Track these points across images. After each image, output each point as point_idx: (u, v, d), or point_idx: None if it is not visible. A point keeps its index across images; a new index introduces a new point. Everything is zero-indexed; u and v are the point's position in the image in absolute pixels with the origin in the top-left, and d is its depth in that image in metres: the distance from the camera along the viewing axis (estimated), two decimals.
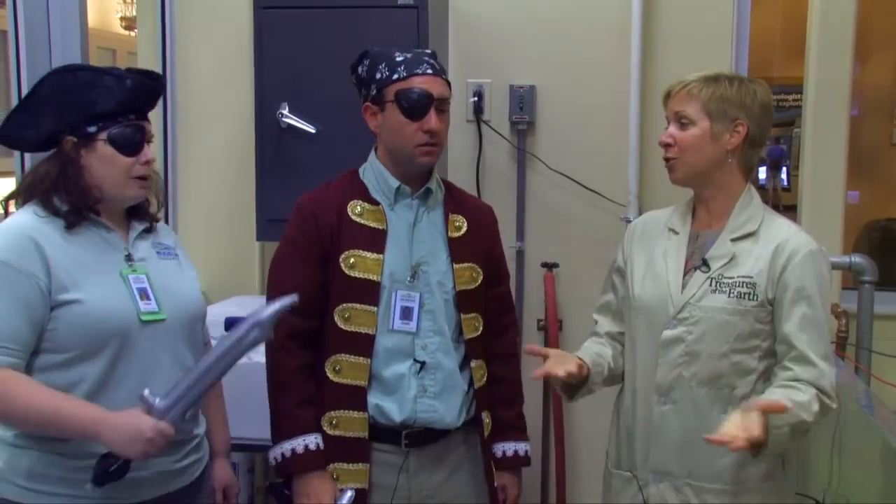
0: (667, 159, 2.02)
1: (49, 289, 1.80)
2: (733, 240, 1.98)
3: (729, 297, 1.94)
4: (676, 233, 2.06)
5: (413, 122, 2.05)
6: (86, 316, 1.81)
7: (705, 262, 1.98)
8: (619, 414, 2.14)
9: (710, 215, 2.03)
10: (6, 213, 1.92)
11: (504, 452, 2.24)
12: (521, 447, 2.26)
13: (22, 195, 1.91)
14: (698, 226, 2.05)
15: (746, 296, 1.94)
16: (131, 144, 1.88)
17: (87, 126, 1.85)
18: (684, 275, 2.00)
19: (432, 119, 2.05)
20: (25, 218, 1.86)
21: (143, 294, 1.89)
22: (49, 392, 1.78)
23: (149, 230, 2.01)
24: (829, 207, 3.12)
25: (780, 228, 1.99)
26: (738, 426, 1.73)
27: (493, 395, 2.23)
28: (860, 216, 4.60)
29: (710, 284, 1.96)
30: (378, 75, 2.07)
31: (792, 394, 1.86)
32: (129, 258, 1.92)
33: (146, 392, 1.76)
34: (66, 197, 1.86)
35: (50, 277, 1.80)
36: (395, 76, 2.05)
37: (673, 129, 2.00)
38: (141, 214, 2.00)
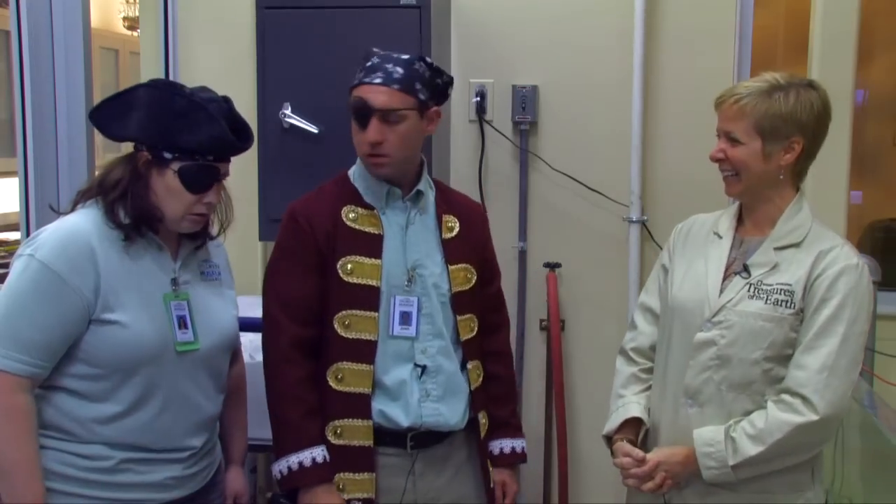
0: (723, 171, 1.98)
1: (93, 306, 1.80)
2: (777, 248, 1.95)
3: (766, 303, 1.91)
4: (720, 237, 2.03)
5: (360, 132, 2.03)
6: (124, 340, 1.82)
7: (746, 269, 1.96)
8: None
9: (757, 222, 2.01)
10: (73, 208, 1.91)
11: (501, 450, 2.26)
12: (518, 444, 2.28)
13: (91, 193, 1.90)
14: (743, 232, 2.02)
15: (783, 303, 1.91)
16: (199, 184, 1.87)
17: (164, 151, 1.84)
18: (724, 279, 1.98)
19: (370, 131, 2.01)
20: (88, 223, 1.85)
21: (182, 322, 1.90)
22: (24, 453, 1.79)
23: (199, 247, 2.01)
24: (833, 208, 3.11)
25: (825, 239, 1.95)
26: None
27: (488, 394, 2.23)
28: (863, 216, 4.59)
29: (749, 290, 1.93)
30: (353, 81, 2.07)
31: (748, 425, 1.89)
32: (174, 282, 1.92)
33: None
34: (130, 209, 1.86)
35: (96, 294, 1.80)
36: (354, 82, 2.05)
37: (724, 143, 1.95)
38: (194, 233, 1.98)
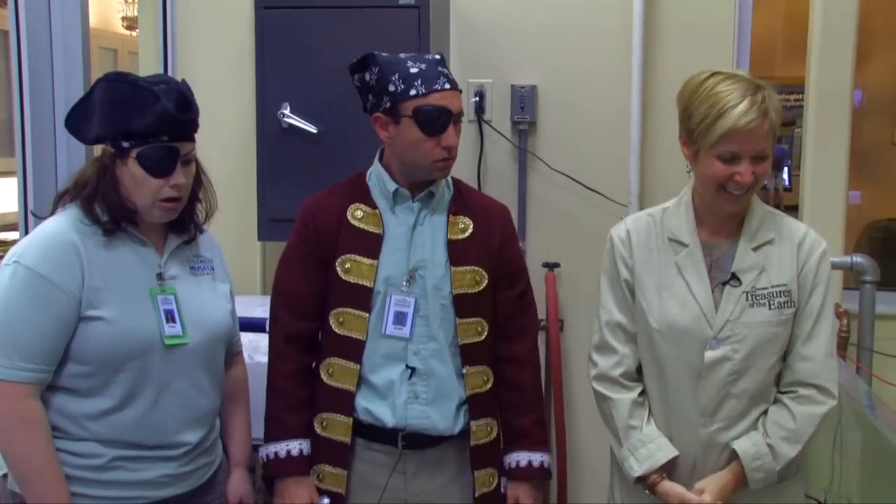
0: (741, 195, 1.89)
1: (80, 303, 1.82)
2: (755, 248, 1.94)
3: (770, 309, 1.91)
4: (685, 245, 1.98)
5: (431, 139, 2.01)
6: (109, 335, 1.83)
7: (735, 277, 1.93)
8: None
9: (720, 223, 1.97)
10: (53, 211, 1.93)
11: (518, 463, 2.15)
12: (536, 458, 2.15)
13: (68, 195, 1.92)
14: (706, 236, 1.98)
15: (785, 304, 1.92)
16: (160, 167, 1.86)
17: (122, 140, 1.85)
18: (711, 291, 1.95)
19: (451, 136, 2.02)
20: (66, 226, 1.86)
21: (170, 316, 1.90)
22: (43, 457, 1.81)
23: (189, 241, 2.00)
24: (831, 207, 3.11)
25: (793, 228, 1.98)
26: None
27: (506, 402, 2.18)
28: (862, 216, 4.60)
29: (747, 299, 1.92)
30: (392, 87, 2.01)
31: (779, 429, 1.90)
32: (160, 277, 1.93)
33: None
34: (104, 206, 1.87)
35: (80, 292, 1.82)
36: (413, 92, 1.99)
37: (751, 166, 1.86)
38: (181, 225, 1.99)
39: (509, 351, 2.17)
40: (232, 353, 2.15)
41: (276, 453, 2.09)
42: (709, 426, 1.94)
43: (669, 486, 1.96)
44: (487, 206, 2.21)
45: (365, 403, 2.08)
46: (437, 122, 2.00)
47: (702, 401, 1.93)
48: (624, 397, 2.01)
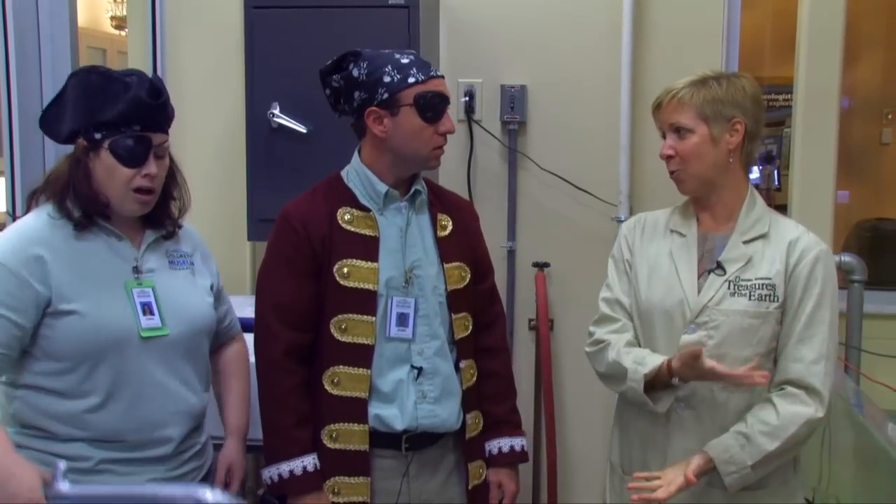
0: (671, 171, 2.00)
1: (47, 299, 1.81)
2: (745, 242, 1.97)
3: (749, 299, 1.92)
4: (682, 235, 2.03)
5: (430, 126, 2.03)
6: (83, 329, 1.82)
7: (720, 266, 1.96)
8: (625, 418, 2.10)
9: (716, 217, 2.01)
10: (27, 210, 1.93)
11: (500, 449, 2.20)
12: (517, 442, 2.22)
13: (43, 193, 1.92)
14: (704, 228, 2.02)
15: (767, 297, 1.93)
16: (133, 157, 1.85)
17: (94, 132, 1.85)
18: (697, 277, 1.97)
19: (449, 121, 2.05)
20: (37, 222, 1.87)
21: (147, 309, 1.89)
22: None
23: (167, 236, 1.99)
24: (820, 207, 3.13)
25: (788, 228, 2.00)
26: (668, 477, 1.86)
27: (483, 391, 2.20)
28: (850, 215, 4.62)
29: (729, 287, 1.94)
30: (387, 79, 2.00)
31: (760, 423, 1.87)
32: (136, 270, 1.92)
33: (61, 465, 1.70)
34: (76, 200, 1.87)
35: (49, 287, 1.81)
36: (412, 79, 2.00)
37: (671, 140, 1.98)
38: (157, 221, 1.98)
39: (484, 341, 2.22)
40: (230, 337, 2.16)
41: (291, 471, 2.01)
42: (681, 411, 1.96)
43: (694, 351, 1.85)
44: (459, 203, 2.27)
45: (374, 410, 2.05)
46: (438, 108, 2.03)
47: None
48: (619, 337, 2.03)
